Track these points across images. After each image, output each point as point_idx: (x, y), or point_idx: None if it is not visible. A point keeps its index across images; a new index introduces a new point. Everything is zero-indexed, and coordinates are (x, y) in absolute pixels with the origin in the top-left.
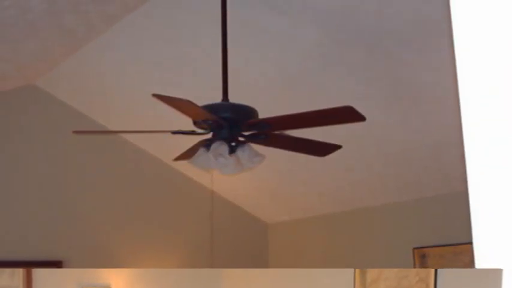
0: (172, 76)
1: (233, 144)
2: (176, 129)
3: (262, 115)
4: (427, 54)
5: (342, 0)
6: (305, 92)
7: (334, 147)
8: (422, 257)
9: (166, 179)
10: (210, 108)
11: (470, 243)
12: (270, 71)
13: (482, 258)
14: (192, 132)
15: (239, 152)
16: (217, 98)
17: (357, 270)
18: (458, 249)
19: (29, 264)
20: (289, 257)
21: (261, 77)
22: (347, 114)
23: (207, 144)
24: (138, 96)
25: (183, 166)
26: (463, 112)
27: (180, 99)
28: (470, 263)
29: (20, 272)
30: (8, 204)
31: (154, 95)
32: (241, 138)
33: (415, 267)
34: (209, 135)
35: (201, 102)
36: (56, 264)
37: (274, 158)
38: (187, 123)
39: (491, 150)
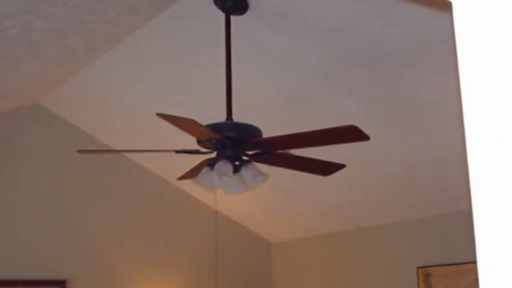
0: (175, 95)
1: (237, 163)
2: (180, 148)
3: (264, 134)
4: (428, 73)
5: (344, 20)
6: (307, 111)
7: (338, 167)
8: (426, 276)
9: (170, 198)
10: (214, 127)
11: (474, 262)
12: (272, 90)
13: (486, 278)
14: (196, 152)
15: (243, 171)
16: (221, 117)
17: None
18: (462, 268)
19: (33, 284)
20: (293, 275)
21: (263, 96)
22: (351, 134)
23: (211, 163)
24: (142, 115)
25: (187, 185)
26: (466, 128)
27: (184, 119)
28: (475, 282)
29: None
30: (11, 223)
31: (158, 114)
32: (245, 158)
33: (419, 287)
34: (213, 155)
35: (204, 121)
36: (60, 283)
37: (277, 177)
38: (191, 142)
39: (495, 166)
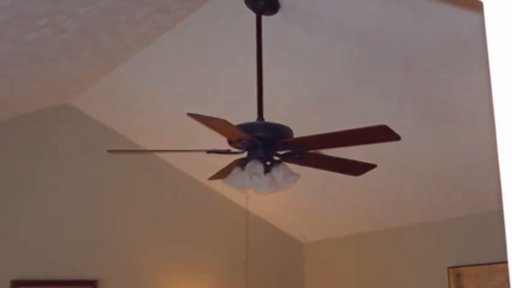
0: (207, 95)
1: (268, 163)
2: (211, 148)
3: (296, 134)
4: (460, 73)
5: (375, 19)
6: (338, 112)
7: (369, 167)
8: (457, 276)
9: (200, 198)
10: (245, 127)
11: (506, 262)
12: (303, 90)
13: None
14: (227, 152)
15: (274, 171)
16: (252, 118)
17: None
18: (493, 268)
19: (64, 284)
20: (324, 275)
21: (294, 96)
22: (381, 134)
23: (242, 163)
24: (173, 115)
25: (218, 185)
26: (497, 128)
27: (215, 119)
28: (505, 282)
29: None
30: (43, 223)
31: (189, 114)
32: (276, 158)
33: (450, 287)
34: (244, 155)
35: (235, 121)
36: (92, 283)
37: (308, 177)
38: (222, 142)
39: None
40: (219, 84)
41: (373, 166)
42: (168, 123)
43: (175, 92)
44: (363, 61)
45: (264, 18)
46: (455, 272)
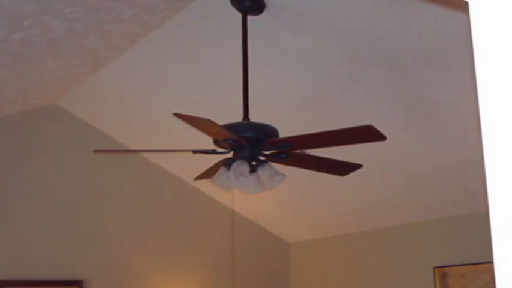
0: (194, 95)
1: (254, 163)
2: (197, 148)
3: (282, 134)
4: (447, 73)
5: (363, 19)
6: (326, 112)
7: (355, 167)
8: (443, 276)
9: (187, 198)
10: (231, 127)
11: (491, 262)
12: (291, 91)
13: (503, 278)
14: (213, 152)
15: (260, 171)
16: (238, 118)
17: None
18: (479, 268)
19: (50, 284)
20: (310, 275)
21: (281, 97)
22: (368, 134)
23: (227, 163)
24: (159, 115)
25: (204, 185)
26: (483, 129)
27: (201, 119)
28: (491, 282)
29: None
30: (29, 223)
31: (175, 114)
32: (262, 158)
33: (435, 287)
34: (230, 155)
35: (223, 121)
36: (77, 283)
37: (295, 177)
38: (208, 142)
39: None
40: (205, 84)
41: (358, 166)
42: (155, 123)
43: (162, 92)
44: (351, 61)
45: (251, 18)
46: (441, 272)
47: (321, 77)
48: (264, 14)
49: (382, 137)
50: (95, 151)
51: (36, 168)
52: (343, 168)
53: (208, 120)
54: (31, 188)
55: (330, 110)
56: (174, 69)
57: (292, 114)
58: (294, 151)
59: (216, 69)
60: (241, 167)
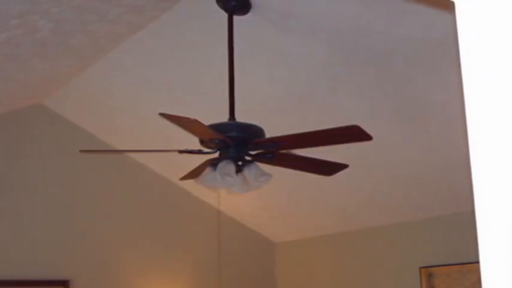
0: (180, 95)
1: (240, 163)
2: (183, 148)
3: (269, 135)
4: (436, 74)
5: (352, 19)
6: (313, 112)
7: (341, 167)
8: (429, 276)
9: (172, 198)
10: (217, 127)
11: (478, 262)
12: (278, 91)
13: (489, 278)
14: (199, 152)
15: (246, 171)
16: (225, 118)
17: None
18: (465, 268)
19: (36, 284)
20: (297, 276)
21: (268, 97)
22: (354, 134)
23: (213, 163)
24: (145, 115)
25: (190, 185)
26: (469, 129)
27: (187, 119)
28: (477, 283)
29: None
30: (15, 223)
31: (161, 114)
32: (248, 158)
33: (421, 287)
34: (216, 155)
35: (208, 121)
36: (63, 283)
37: (281, 177)
38: (194, 142)
39: (497, 167)
40: (193, 84)
41: (345, 166)
42: (141, 123)
43: (148, 92)
44: (339, 61)
45: (237, 18)
46: (427, 272)
47: (308, 77)
48: (250, 14)
49: (368, 137)
50: (81, 151)
51: (22, 168)
52: (329, 168)
53: (195, 120)
54: (17, 188)
55: (317, 110)
56: (160, 69)
57: (278, 114)
58: (280, 151)
59: (203, 69)
60: (227, 167)
